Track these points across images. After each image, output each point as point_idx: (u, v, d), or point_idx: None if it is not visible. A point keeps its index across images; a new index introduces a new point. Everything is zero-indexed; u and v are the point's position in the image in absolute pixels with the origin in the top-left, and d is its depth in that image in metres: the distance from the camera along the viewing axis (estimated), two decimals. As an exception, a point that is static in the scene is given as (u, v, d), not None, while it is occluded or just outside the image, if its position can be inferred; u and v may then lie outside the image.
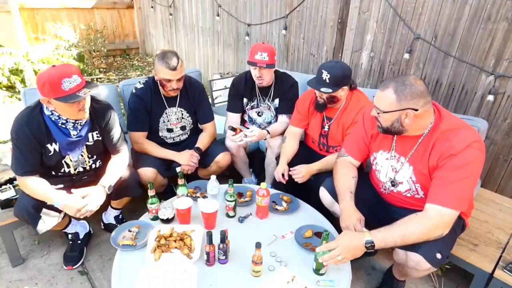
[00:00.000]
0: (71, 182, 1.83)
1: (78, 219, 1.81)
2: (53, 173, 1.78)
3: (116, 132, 1.85)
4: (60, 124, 1.64)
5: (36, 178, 1.65)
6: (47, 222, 1.69)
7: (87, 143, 1.77)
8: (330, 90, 1.80)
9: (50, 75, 1.48)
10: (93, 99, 1.76)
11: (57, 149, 1.68)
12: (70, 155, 1.74)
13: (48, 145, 1.66)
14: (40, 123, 1.61)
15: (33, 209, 1.63)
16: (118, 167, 1.84)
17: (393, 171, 1.54)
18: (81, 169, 1.83)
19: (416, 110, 1.31)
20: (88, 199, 1.64)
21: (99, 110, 1.77)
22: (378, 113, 1.39)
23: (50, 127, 1.63)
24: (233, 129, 2.10)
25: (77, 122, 1.66)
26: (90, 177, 1.88)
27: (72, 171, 1.80)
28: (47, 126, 1.63)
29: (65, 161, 1.76)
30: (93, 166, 1.87)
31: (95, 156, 1.85)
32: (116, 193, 1.87)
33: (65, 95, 1.49)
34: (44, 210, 1.66)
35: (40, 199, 1.63)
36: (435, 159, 1.35)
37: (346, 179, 1.61)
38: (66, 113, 1.60)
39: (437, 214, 1.28)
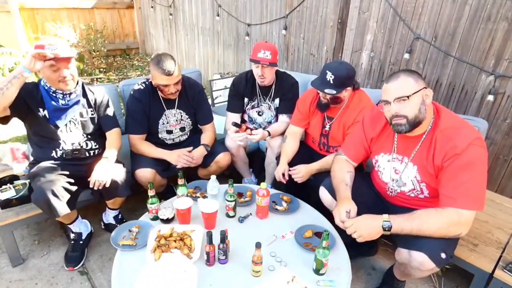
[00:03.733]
0: (68, 167, 1.85)
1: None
2: (53, 153, 1.85)
3: (110, 110, 2.02)
4: (51, 93, 1.80)
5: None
6: (63, 207, 1.72)
7: (82, 118, 1.90)
8: (334, 92, 1.79)
9: (39, 42, 1.63)
10: (87, 84, 1.99)
11: (47, 115, 1.80)
12: (61, 128, 1.83)
13: (40, 110, 1.79)
14: (35, 88, 1.79)
15: (53, 193, 1.67)
16: (114, 140, 1.98)
17: (396, 172, 1.54)
18: (74, 143, 1.88)
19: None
20: (93, 173, 1.76)
21: (94, 91, 1.97)
22: (404, 100, 1.33)
23: (42, 93, 1.79)
24: (237, 125, 2.09)
25: (66, 93, 1.81)
26: (86, 165, 1.91)
27: (67, 148, 1.86)
28: (40, 92, 1.79)
29: (59, 135, 1.83)
30: (88, 145, 1.93)
31: (89, 136, 1.92)
32: (106, 194, 1.93)
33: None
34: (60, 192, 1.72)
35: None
36: (439, 158, 1.34)
37: (340, 174, 1.63)
38: (48, 80, 1.76)
39: (456, 214, 1.29)
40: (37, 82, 1.81)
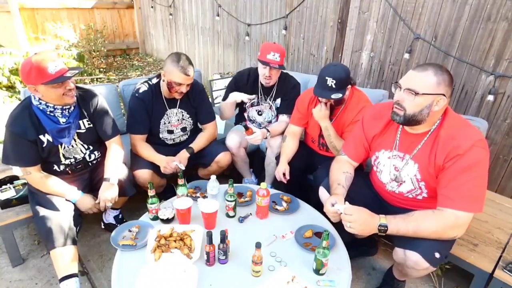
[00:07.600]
0: (72, 179, 1.83)
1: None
2: (55, 167, 1.79)
3: (107, 117, 1.88)
4: (48, 112, 1.65)
5: (46, 174, 1.73)
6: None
7: (79, 130, 1.78)
8: (340, 95, 1.79)
9: (35, 61, 1.50)
10: (77, 87, 1.78)
11: (50, 139, 1.70)
12: (64, 145, 1.74)
13: (41, 136, 1.67)
14: (31, 115, 1.64)
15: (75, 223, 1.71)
16: (114, 160, 1.87)
17: (396, 170, 1.53)
18: (78, 158, 1.82)
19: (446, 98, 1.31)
20: (100, 197, 1.76)
21: (85, 97, 1.80)
22: (413, 94, 1.30)
23: (40, 117, 1.65)
24: (245, 127, 2.09)
25: (64, 108, 1.68)
26: (89, 171, 1.90)
27: (71, 162, 1.80)
28: (37, 116, 1.65)
29: (62, 154, 1.76)
30: (91, 157, 1.88)
31: (90, 147, 1.86)
32: None
33: (53, 79, 1.52)
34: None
35: (52, 193, 1.70)
36: (441, 158, 1.34)
37: (336, 174, 1.63)
38: (52, 99, 1.61)
39: (453, 216, 1.28)
40: (29, 105, 1.64)
